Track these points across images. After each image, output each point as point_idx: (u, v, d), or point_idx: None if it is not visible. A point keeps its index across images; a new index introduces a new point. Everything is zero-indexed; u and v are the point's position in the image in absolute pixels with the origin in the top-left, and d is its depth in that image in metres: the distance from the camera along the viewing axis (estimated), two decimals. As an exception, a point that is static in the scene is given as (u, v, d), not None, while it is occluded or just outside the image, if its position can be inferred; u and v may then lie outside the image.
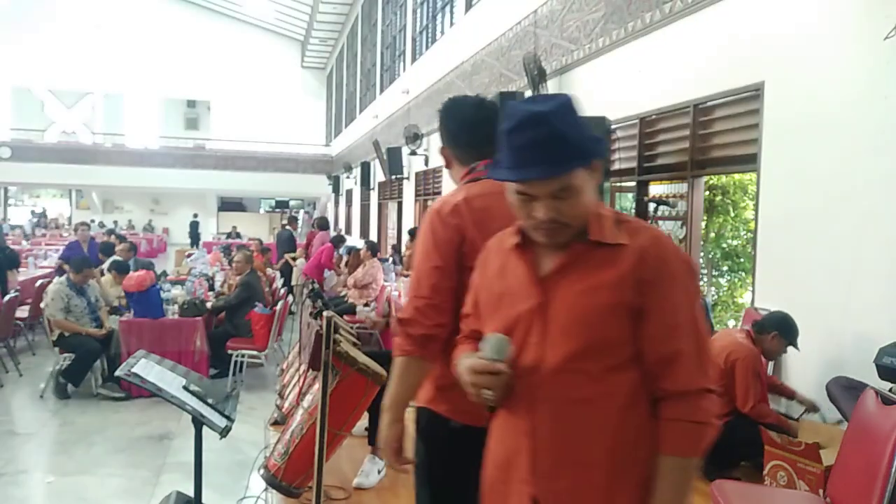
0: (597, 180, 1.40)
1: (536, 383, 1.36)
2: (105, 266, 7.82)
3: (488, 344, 1.37)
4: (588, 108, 6.05)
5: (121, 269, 7.13)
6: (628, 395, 1.34)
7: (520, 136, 1.33)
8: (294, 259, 11.29)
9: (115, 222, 26.15)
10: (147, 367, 2.77)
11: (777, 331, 3.64)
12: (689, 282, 1.38)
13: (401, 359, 1.81)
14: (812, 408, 3.73)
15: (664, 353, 1.33)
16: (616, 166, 5.93)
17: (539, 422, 1.37)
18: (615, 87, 5.86)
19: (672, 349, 1.33)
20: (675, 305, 1.34)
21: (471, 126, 1.96)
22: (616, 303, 1.33)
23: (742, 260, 7.93)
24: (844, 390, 3.33)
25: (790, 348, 3.68)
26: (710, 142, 4.85)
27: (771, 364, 4.07)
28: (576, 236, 1.37)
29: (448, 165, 2.03)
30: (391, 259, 10.66)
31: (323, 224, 11.97)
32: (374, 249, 8.76)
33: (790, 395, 3.87)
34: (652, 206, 5.35)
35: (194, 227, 23.62)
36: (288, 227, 12.85)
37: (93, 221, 23.96)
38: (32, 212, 27.30)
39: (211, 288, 7.59)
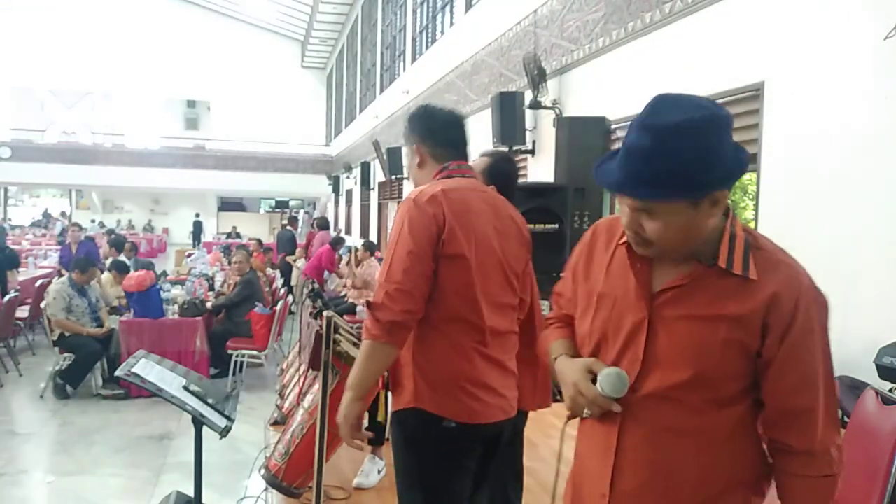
0: (714, 212, 1.21)
1: (631, 403, 1.26)
2: (108, 262, 7.84)
3: (608, 381, 1.26)
4: (588, 108, 6.08)
5: (121, 269, 7.13)
6: (728, 430, 1.25)
7: (633, 136, 1.17)
8: (294, 261, 11.29)
9: (119, 221, 26.17)
10: (147, 367, 2.77)
11: None
12: (825, 328, 1.23)
13: (367, 342, 1.82)
14: None
15: (793, 408, 1.22)
16: (616, 166, 5.91)
17: (628, 443, 1.28)
18: (615, 87, 5.86)
19: (804, 405, 1.21)
20: (808, 357, 1.21)
21: (450, 126, 2.07)
22: (735, 340, 1.20)
23: (742, 260, 7.93)
24: (848, 390, 3.33)
25: None
26: (710, 142, 4.85)
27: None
28: (700, 255, 1.23)
29: (421, 164, 2.07)
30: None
31: (323, 224, 11.98)
32: (371, 249, 8.76)
33: None
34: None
35: (197, 226, 23.67)
36: (289, 228, 12.87)
37: (94, 221, 24.00)
38: (63, 212, 27.04)
39: (211, 288, 7.59)
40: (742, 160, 1.20)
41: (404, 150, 2.20)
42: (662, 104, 1.17)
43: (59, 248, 13.87)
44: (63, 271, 7.92)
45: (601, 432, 1.32)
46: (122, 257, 8.10)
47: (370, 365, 1.83)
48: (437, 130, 2.05)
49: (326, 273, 9.69)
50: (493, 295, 1.91)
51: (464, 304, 1.86)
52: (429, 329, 1.86)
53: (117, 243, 8.70)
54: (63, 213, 26.72)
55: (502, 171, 2.65)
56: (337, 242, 10.15)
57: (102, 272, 7.45)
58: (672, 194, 1.16)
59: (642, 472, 1.27)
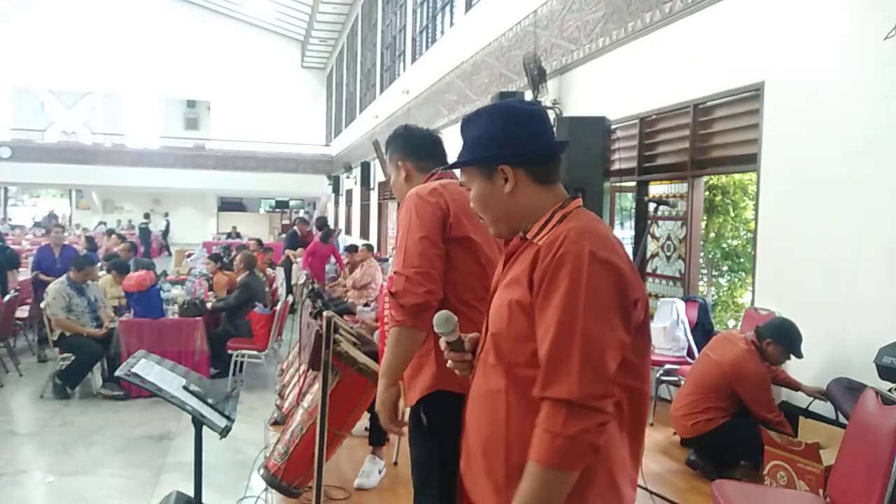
0: (507, 189, 1.37)
1: (475, 372, 1.45)
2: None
3: (435, 319, 1.46)
4: (588, 108, 6.09)
5: (121, 269, 7.13)
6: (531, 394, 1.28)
7: None
8: (296, 258, 11.33)
9: (119, 221, 26.13)
10: (147, 367, 2.77)
11: (771, 338, 3.60)
12: (582, 281, 1.21)
13: (393, 329, 1.89)
14: (820, 396, 3.67)
15: (541, 357, 1.25)
16: (616, 166, 5.93)
17: (469, 410, 1.45)
18: (615, 87, 5.86)
19: (543, 353, 1.24)
20: (550, 307, 1.23)
21: (431, 142, 2.31)
22: (518, 299, 1.31)
23: (742, 260, 7.92)
24: (846, 391, 3.33)
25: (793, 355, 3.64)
26: (710, 142, 4.85)
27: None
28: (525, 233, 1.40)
29: (407, 178, 2.25)
30: (390, 259, 10.68)
31: (321, 224, 12.06)
32: (369, 248, 8.79)
33: (796, 387, 3.85)
34: (652, 206, 5.35)
35: (166, 226, 23.64)
36: (295, 228, 13.01)
37: (104, 224, 23.80)
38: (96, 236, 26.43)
39: (211, 288, 7.59)
40: (538, 149, 1.37)
41: (388, 169, 2.37)
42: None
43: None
44: (41, 275, 7.56)
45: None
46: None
47: (399, 350, 1.91)
48: (419, 146, 2.27)
49: (335, 271, 9.75)
50: None
51: (480, 282, 1.94)
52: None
53: (118, 266, 8.23)
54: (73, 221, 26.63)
55: None
56: (326, 236, 10.18)
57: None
58: (465, 160, 1.41)
59: (474, 431, 1.41)
